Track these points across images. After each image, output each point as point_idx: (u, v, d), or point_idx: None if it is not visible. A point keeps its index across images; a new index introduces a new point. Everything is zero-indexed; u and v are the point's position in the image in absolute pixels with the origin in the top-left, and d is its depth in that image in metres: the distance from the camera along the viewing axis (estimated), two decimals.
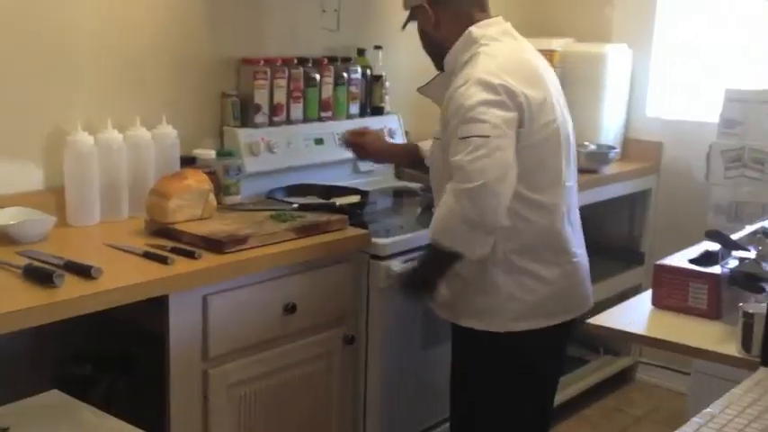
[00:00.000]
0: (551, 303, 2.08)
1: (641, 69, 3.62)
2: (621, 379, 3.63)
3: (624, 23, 3.65)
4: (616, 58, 3.52)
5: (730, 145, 3.22)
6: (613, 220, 3.65)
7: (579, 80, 3.43)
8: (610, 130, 3.56)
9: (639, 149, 3.62)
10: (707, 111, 3.41)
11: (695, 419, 1.28)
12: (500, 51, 2.06)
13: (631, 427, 3.23)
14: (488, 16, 2.15)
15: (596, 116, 3.47)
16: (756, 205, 3.18)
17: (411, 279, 2.18)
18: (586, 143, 3.36)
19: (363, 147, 2.58)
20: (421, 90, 2.31)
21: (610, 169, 3.37)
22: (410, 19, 2.23)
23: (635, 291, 3.64)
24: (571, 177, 2.15)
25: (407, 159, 2.66)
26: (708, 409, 1.31)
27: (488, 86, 1.96)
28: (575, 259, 2.13)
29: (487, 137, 1.92)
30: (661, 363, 3.60)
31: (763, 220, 2.34)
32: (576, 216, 2.19)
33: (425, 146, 2.47)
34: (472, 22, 2.11)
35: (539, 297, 2.07)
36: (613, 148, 3.43)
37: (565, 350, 2.30)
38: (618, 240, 3.68)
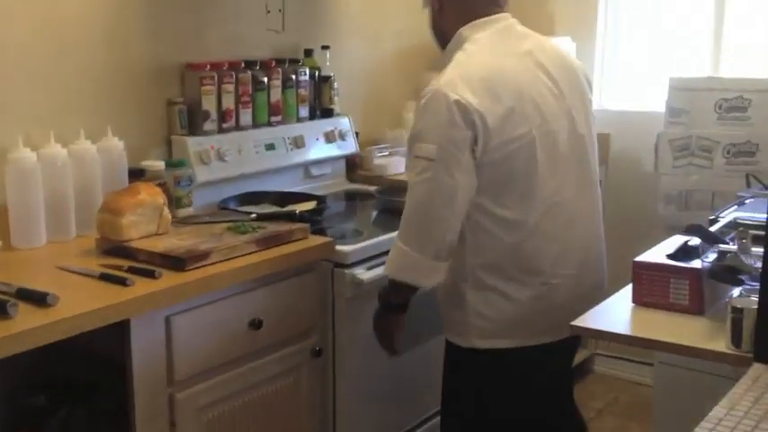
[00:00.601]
0: (523, 325, 1.98)
1: (585, 61, 3.60)
2: (579, 371, 3.63)
3: (566, 16, 3.65)
4: None
5: (677, 134, 3.25)
6: None
7: None
8: None
9: None
10: (653, 101, 3.44)
11: (704, 424, 1.25)
12: (473, 58, 1.96)
13: (594, 421, 3.23)
14: (495, 11, 2.04)
15: None
16: (706, 193, 3.21)
17: (377, 320, 2.14)
18: None
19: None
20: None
21: None
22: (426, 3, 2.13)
23: None
24: (565, 189, 1.99)
25: None
26: (713, 413, 1.29)
27: (443, 102, 1.88)
28: (554, 281, 1.98)
29: (433, 160, 1.87)
30: (618, 354, 3.62)
31: (723, 210, 2.36)
32: (572, 233, 2.01)
33: None
34: (475, 16, 2.02)
35: (506, 317, 1.98)
36: None
37: (565, 365, 2.21)
38: None
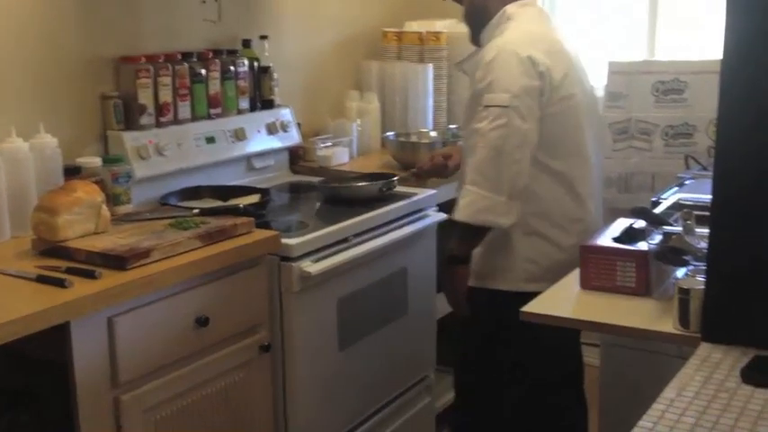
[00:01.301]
0: (564, 270, 2.05)
1: None
2: None
3: None
4: None
5: (616, 117, 3.28)
6: None
7: None
8: None
9: None
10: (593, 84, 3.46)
11: (656, 406, 1.25)
12: (527, 26, 2.21)
13: None
14: None
15: None
16: (646, 175, 3.26)
17: (446, 278, 2.28)
18: None
19: (449, 156, 2.66)
20: (458, 65, 2.48)
21: None
22: None
23: None
24: (595, 153, 2.29)
25: None
26: (665, 394, 1.29)
27: (513, 56, 2.10)
28: (591, 229, 2.18)
29: (507, 107, 2.06)
30: None
31: (664, 192, 2.39)
32: (598, 192, 2.32)
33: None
34: None
35: (552, 262, 2.15)
36: None
37: None
38: None
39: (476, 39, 2.34)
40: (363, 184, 2.74)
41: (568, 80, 2.19)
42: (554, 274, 2.05)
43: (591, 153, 2.28)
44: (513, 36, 2.18)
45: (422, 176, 2.74)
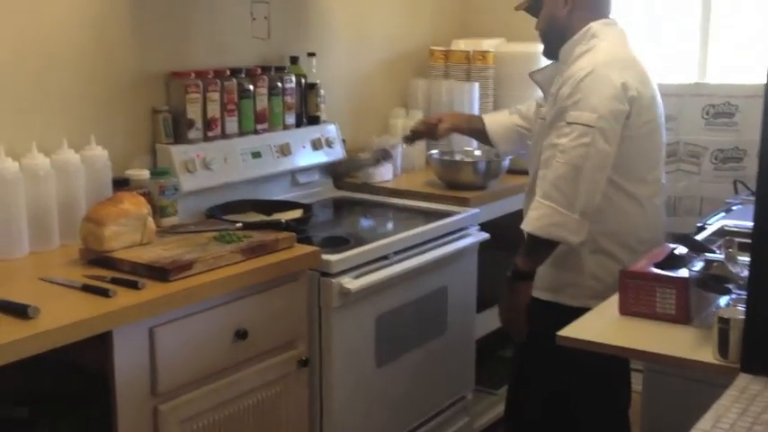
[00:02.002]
0: None
1: None
2: None
3: None
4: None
5: (666, 140, 3.24)
6: None
7: (514, 79, 3.40)
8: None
9: None
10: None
11: None
12: (619, 49, 2.23)
13: None
14: (607, 15, 2.30)
15: None
16: (694, 199, 3.21)
17: (508, 293, 2.25)
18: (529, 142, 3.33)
19: (441, 120, 2.76)
20: (532, 74, 2.45)
21: None
22: (537, 5, 2.33)
23: None
24: (664, 175, 2.34)
25: (470, 126, 2.80)
26: (700, 425, 1.27)
27: (606, 78, 2.11)
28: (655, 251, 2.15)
29: (592, 127, 2.07)
30: None
31: (711, 217, 2.35)
32: (663, 213, 2.36)
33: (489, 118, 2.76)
34: (602, 16, 2.27)
35: (615, 279, 2.07)
36: None
37: None
38: None
39: (553, 53, 2.32)
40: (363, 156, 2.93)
41: (653, 105, 2.23)
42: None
43: (662, 175, 2.32)
44: (605, 57, 2.17)
45: (412, 138, 2.89)
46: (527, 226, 2.15)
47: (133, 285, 1.87)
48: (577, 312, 2.06)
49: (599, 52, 2.18)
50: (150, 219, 2.15)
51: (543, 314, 2.24)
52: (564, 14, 2.26)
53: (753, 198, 2.44)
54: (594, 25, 2.24)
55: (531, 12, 2.40)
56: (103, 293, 1.82)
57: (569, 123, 2.10)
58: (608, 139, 2.09)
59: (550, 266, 2.25)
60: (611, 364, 2.14)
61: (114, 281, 1.89)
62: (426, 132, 2.82)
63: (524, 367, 2.43)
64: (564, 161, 2.09)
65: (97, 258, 2.04)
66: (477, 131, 2.77)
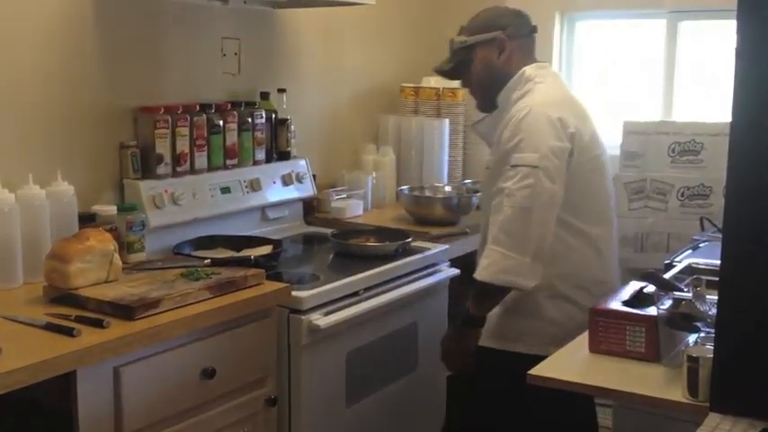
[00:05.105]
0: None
1: None
2: None
3: None
4: None
5: (632, 177, 3.28)
6: None
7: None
8: None
9: None
10: (608, 144, 3.46)
11: None
12: (554, 89, 2.25)
13: None
14: (535, 59, 2.34)
15: None
16: (661, 235, 3.24)
17: (456, 340, 2.23)
18: None
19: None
20: (474, 126, 2.47)
21: None
22: (465, 58, 2.32)
23: None
24: (614, 213, 2.32)
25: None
26: None
27: (544, 117, 2.11)
28: (610, 289, 2.11)
29: (536, 167, 2.05)
30: None
31: (678, 254, 2.37)
32: (617, 253, 2.33)
33: None
34: (532, 60, 2.31)
35: (576, 324, 2.08)
36: None
37: None
38: None
39: (491, 104, 2.33)
40: (378, 244, 2.74)
41: (594, 141, 2.23)
42: (575, 337, 2.00)
43: (612, 214, 2.31)
44: (542, 98, 2.19)
45: None
46: (478, 275, 2.11)
47: (98, 324, 1.84)
48: (535, 360, 2.04)
49: (536, 94, 2.20)
50: (117, 255, 2.12)
51: (497, 363, 2.21)
52: (501, 62, 2.28)
53: (719, 235, 2.47)
54: (528, 69, 2.27)
55: (455, 74, 2.40)
56: (67, 332, 1.78)
57: (513, 166, 2.09)
58: (553, 178, 2.07)
59: (504, 314, 2.21)
60: (575, 403, 2.10)
61: (79, 319, 1.85)
62: None
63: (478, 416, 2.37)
64: (511, 204, 2.07)
65: (62, 296, 2.00)
66: None
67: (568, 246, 2.17)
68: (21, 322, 1.86)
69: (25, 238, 2.15)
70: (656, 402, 1.58)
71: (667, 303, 1.72)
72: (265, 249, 2.52)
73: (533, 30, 2.37)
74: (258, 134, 2.85)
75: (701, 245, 2.42)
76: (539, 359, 2.03)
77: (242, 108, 2.81)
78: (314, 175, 3.08)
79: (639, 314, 1.73)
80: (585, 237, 2.20)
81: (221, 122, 2.71)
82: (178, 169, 2.59)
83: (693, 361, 1.52)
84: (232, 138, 2.75)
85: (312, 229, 3.03)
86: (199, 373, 2.00)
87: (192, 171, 2.63)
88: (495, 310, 2.22)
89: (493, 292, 2.14)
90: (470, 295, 2.20)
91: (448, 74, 2.42)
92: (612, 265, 2.29)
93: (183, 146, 2.59)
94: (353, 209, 3.12)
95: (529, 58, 2.32)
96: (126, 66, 2.54)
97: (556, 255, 2.14)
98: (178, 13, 2.67)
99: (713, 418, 1.43)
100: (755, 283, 1.38)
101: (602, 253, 2.23)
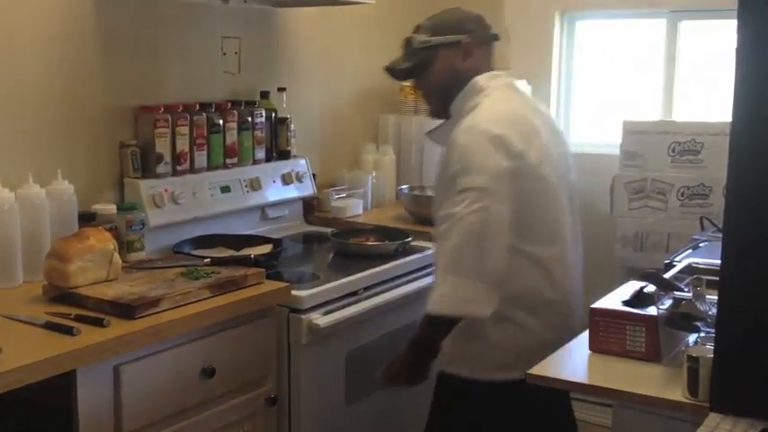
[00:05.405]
0: (535, 356, 1.92)
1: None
2: None
3: (522, 59, 3.68)
4: None
5: (632, 176, 3.28)
6: None
7: None
8: None
9: None
10: (608, 143, 3.47)
11: None
12: (502, 104, 2.10)
13: None
14: (493, 68, 2.21)
15: None
16: (661, 235, 3.24)
17: (410, 367, 2.10)
18: None
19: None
20: (429, 135, 2.33)
21: None
22: (425, 59, 2.19)
23: None
24: (572, 233, 2.16)
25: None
26: None
27: (485, 136, 1.98)
28: (563, 310, 2.11)
29: (484, 189, 1.93)
30: (577, 396, 3.59)
31: (678, 254, 2.37)
32: (575, 272, 2.17)
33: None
34: (490, 68, 2.19)
35: (524, 348, 2.03)
36: None
37: (566, 398, 2.27)
38: None
39: (444, 111, 2.20)
40: (378, 243, 2.74)
41: (545, 160, 2.07)
42: (526, 361, 1.90)
43: (567, 234, 2.14)
44: (484, 116, 2.04)
45: None
46: (433, 306, 1.97)
47: (98, 323, 1.84)
48: (481, 386, 2.05)
49: (481, 110, 2.06)
50: (116, 254, 2.12)
51: (446, 388, 2.15)
52: (465, 68, 2.15)
53: (719, 235, 2.47)
54: (480, 79, 2.14)
55: (410, 75, 2.27)
56: (67, 331, 1.78)
57: (461, 191, 1.95)
58: (502, 200, 1.95)
59: (455, 339, 2.08)
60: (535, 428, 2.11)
61: (78, 318, 1.85)
62: None
63: None
64: (462, 230, 1.93)
65: (61, 295, 2.00)
66: None
67: (514, 268, 2.01)
68: (21, 321, 1.86)
69: (25, 237, 2.15)
70: (656, 402, 1.58)
71: (667, 303, 1.72)
72: (265, 248, 2.52)
73: (495, 37, 2.25)
74: (258, 133, 2.85)
75: (700, 244, 2.42)
76: (486, 385, 2.04)
77: (242, 107, 2.81)
78: (314, 175, 3.08)
79: (639, 314, 1.73)
80: (533, 259, 2.06)
81: (221, 121, 2.71)
82: (178, 168, 2.59)
83: (693, 361, 1.52)
84: (232, 137, 2.75)
85: (312, 228, 3.03)
86: (198, 372, 2.00)
87: (192, 170, 2.63)
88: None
89: (447, 323, 2.01)
90: (422, 325, 2.05)
91: (402, 74, 2.28)
92: (566, 285, 2.13)
93: (182, 145, 2.59)
94: (353, 208, 3.12)
95: (488, 66, 2.20)
96: (126, 65, 2.53)
97: (504, 279, 2.00)
98: (178, 12, 2.67)
99: (713, 418, 1.42)
100: (755, 282, 1.38)
101: (551, 274, 2.08)
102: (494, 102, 2.09)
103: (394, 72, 2.28)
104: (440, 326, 2.02)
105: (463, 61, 2.16)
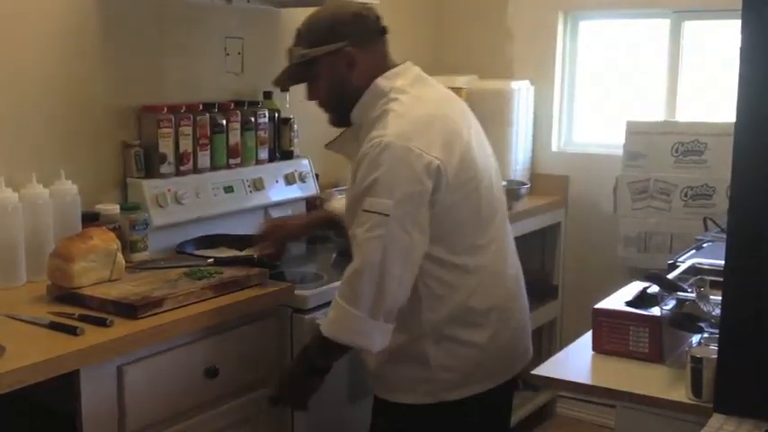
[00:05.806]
0: (488, 366, 1.95)
1: (544, 105, 3.66)
2: (542, 414, 3.62)
3: (525, 60, 3.69)
4: (521, 95, 3.54)
5: (635, 176, 3.28)
6: (524, 255, 3.63)
7: (486, 117, 3.36)
8: (518, 165, 3.57)
9: (546, 184, 3.64)
10: (612, 144, 3.47)
11: None
12: (410, 109, 1.89)
13: None
14: (394, 64, 2.01)
15: (505, 152, 3.47)
16: (664, 235, 3.24)
17: (296, 381, 2.00)
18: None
19: (280, 227, 2.34)
20: (329, 146, 2.14)
21: (521, 205, 3.37)
22: (308, 72, 2.01)
23: (551, 325, 3.66)
24: (499, 228, 2.02)
25: (325, 224, 2.45)
26: None
27: (403, 154, 1.80)
28: (503, 315, 1.98)
29: (388, 215, 1.78)
30: (581, 396, 3.60)
31: (682, 254, 2.37)
32: (511, 270, 2.05)
33: (335, 206, 2.37)
34: (387, 68, 1.98)
35: (472, 364, 1.93)
36: (524, 183, 3.44)
37: (510, 407, 2.19)
38: (530, 275, 3.66)
39: (344, 119, 2.02)
40: None
41: (464, 165, 1.89)
42: (478, 377, 1.92)
43: (498, 234, 2.01)
44: (396, 128, 1.84)
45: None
46: (324, 327, 1.88)
47: (101, 323, 1.84)
48: (432, 409, 1.93)
49: (391, 121, 1.86)
50: (120, 254, 2.12)
51: (387, 415, 2.04)
52: (352, 76, 1.95)
53: (723, 235, 2.48)
54: (380, 81, 1.94)
55: (304, 81, 2.05)
56: (71, 331, 1.79)
57: (365, 211, 1.81)
58: (407, 228, 1.79)
59: (389, 362, 1.96)
60: None
61: (82, 318, 1.86)
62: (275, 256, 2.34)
63: None
64: (360, 257, 1.80)
65: (65, 295, 2.00)
66: (324, 223, 2.44)
67: (445, 283, 1.90)
68: (24, 321, 1.86)
69: (28, 237, 2.15)
70: (659, 403, 1.58)
71: (671, 304, 1.72)
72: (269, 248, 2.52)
73: (383, 31, 2.01)
74: (261, 133, 2.85)
75: (704, 245, 2.42)
76: (436, 407, 1.93)
77: (245, 107, 2.81)
78: (316, 175, 3.08)
79: (643, 315, 1.73)
80: (464, 270, 1.92)
81: (224, 122, 2.71)
82: (181, 168, 2.59)
83: (697, 362, 1.52)
84: (235, 137, 2.75)
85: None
86: (202, 372, 2.00)
87: (196, 170, 2.63)
88: (379, 357, 1.95)
89: (337, 349, 1.91)
90: (314, 341, 1.96)
91: (287, 89, 2.14)
92: (501, 290, 1.99)
93: (186, 145, 2.59)
94: None
95: (383, 64, 1.98)
96: (129, 65, 2.54)
97: (433, 296, 1.90)
98: (181, 12, 2.67)
99: (717, 419, 1.43)
100: (759, 283, 1.38)
101: (482, 281, 1.94)
102: (404, 108, 1.89)
103: (281, 87, 2.17)
104: (332, 350, 1.93)
105: (348, 70, 1.95)
